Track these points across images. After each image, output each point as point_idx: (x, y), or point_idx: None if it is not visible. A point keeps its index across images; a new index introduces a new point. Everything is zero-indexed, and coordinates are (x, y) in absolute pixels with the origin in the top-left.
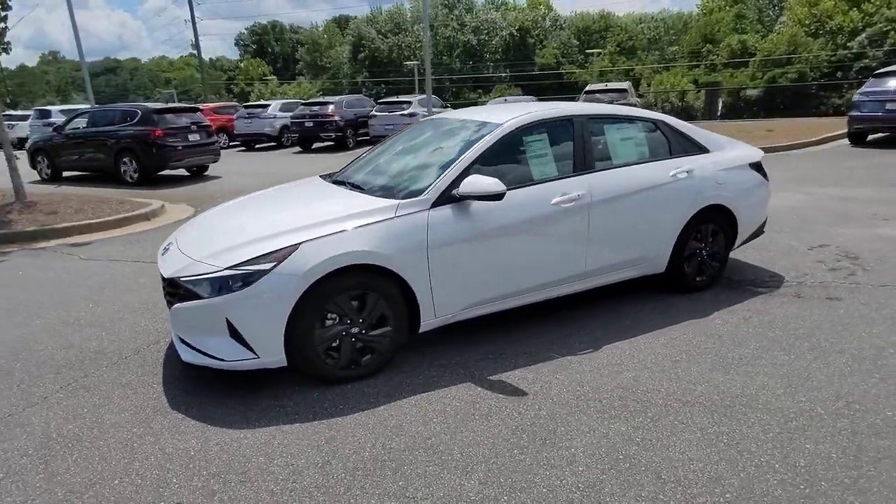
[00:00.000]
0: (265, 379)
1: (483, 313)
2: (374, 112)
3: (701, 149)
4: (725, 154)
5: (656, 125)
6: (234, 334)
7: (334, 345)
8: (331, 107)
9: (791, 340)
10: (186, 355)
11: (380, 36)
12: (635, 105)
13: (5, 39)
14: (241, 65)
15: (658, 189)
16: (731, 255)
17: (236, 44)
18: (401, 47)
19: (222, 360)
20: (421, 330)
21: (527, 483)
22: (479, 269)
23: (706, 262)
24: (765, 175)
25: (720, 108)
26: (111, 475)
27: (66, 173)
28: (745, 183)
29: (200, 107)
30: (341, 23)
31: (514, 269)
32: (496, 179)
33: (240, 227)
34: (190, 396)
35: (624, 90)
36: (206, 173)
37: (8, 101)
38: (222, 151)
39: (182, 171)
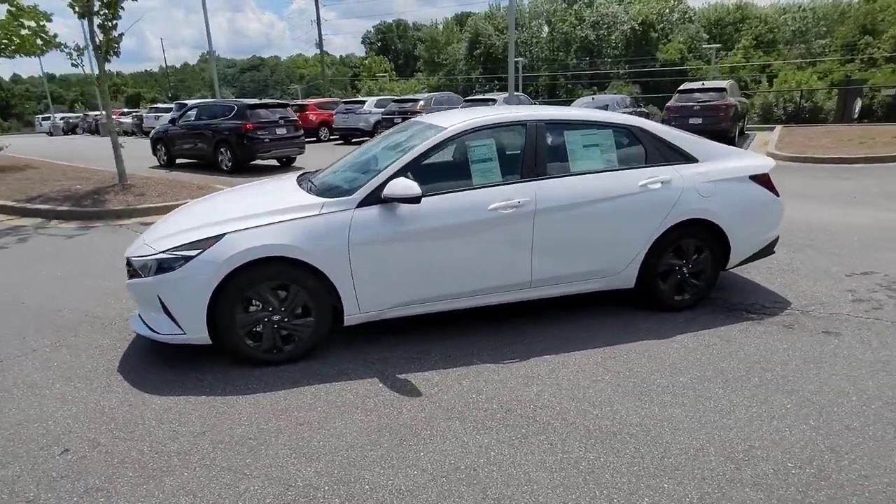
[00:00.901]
0: (210, 355)
1: (417, 313)
2: (459, 108)
3: (686, 158)
4: (718, 165)
5: (631, 132)
6: (166, 311)
7: (257, 329)
8: (420, 103)
9: (740, 374)
10: (135, 325)
11: (496, 32)
12: (649, 113)
13: (117, 46)
14: (366, 62)
15: (623, 199)
16: (742, 272)
17: (363, 42)
18: (516, 43)
19: (157, 333)
20: (346, 324)
21: (355, 478)
22: (409, 269)
23: (688, 281)
24: (772, 189)
25: (857, 109)
26: (35, 419)
27: (178, 160)
28: (740, 197)
29: (307, 102)
30: (462, 20)
31: (448, 272)
32: (414, 183)
33: (193, 216)
34: (142, 363)
35: (722, 89)
36: (294, 164)
37: (169, 95)
38: (322, 144)
39: (273, 162)
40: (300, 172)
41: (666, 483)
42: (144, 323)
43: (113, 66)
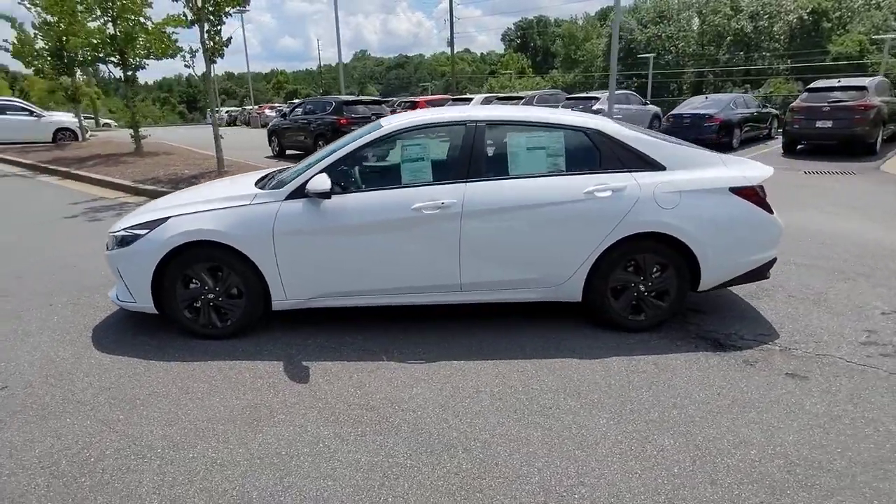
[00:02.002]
0: (173, 327)
1: (344, 305)
2: (559, 108)
3: (651, 165)
4: (690, 174)
5: (586, 134)
6: (123, 281)
7: (196, 305)
8: (521, 101)
9: (642, 407)
10: (110, 293)
11: (639, 27)
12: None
13: (222, 49)
14: (504, 58)
15: (562, 206)
16: (752, 296)
17: (502, 39)
18: (660, 38)
19: (119, 300)
20: (274, 308)
21: (189, 446)
22: (332, 261)
23: (646, 301)
24: (761, 204)
25: None
26: (3, 359)
27: (288, 151)
28: (714, 211)
29: (418, 99)
30: (606, 13)
31: (372, 268)
32: (327, 180)
33: (165, 201)
34: (115, 326)
35: (862, 87)
36: None
37: (321, 91)
38: None
39: None
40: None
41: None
42: (117, 292)
43: (278, 64)
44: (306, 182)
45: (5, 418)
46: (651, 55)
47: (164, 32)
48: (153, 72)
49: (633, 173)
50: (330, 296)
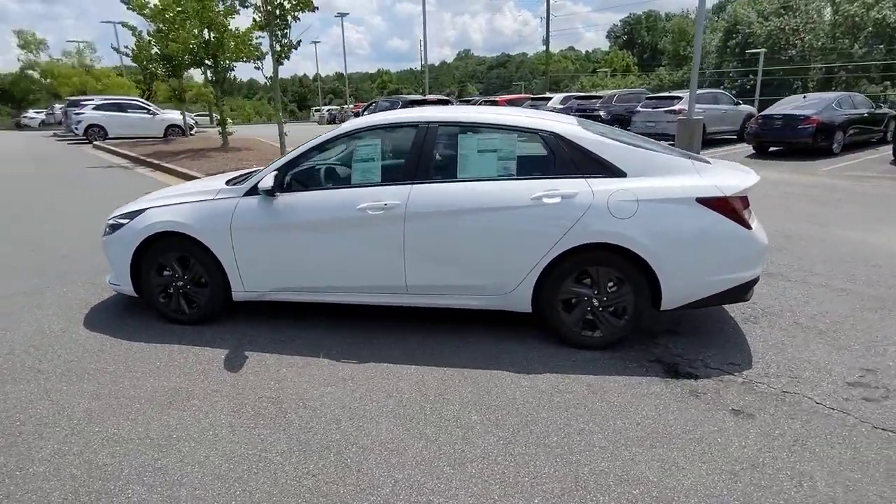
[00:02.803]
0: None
1: (300, 300)
2: (638, 108)
3: (611, 171)
4: (652, 181)
5: (542, 138)
6: (111, 264)
7: (169, 291)
8: (599, 101)
9: (547, 432)
10: (108, 276)
11: (759, 20)
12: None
13: (288, 52)
14: (608, 56)
15: (507, 212)
16: (739, 316)
17: (607, 36)
18: (783, 31)
19: (111, 283)
20: (234, 299)
21: (94, 420)
22: (283, 257)
23: (601, 317)
24: (736, 217)
25: None
26: (2, 328)
27: None
28: (677, 222)
29: (498, 98)
30: (723, 6)
31: (322, 266)
32: (271, 178)
33: (157, 193)
34: (111, 304)
35: None
36: None
37: (420, 90)
38: None
39: None
40: None
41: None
42: (110, 276)
43: (385, 65)
44: (260, 180)
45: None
46: (761, 50)
47: (250, 37)
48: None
49: (589, 179)
50: (285, 290)
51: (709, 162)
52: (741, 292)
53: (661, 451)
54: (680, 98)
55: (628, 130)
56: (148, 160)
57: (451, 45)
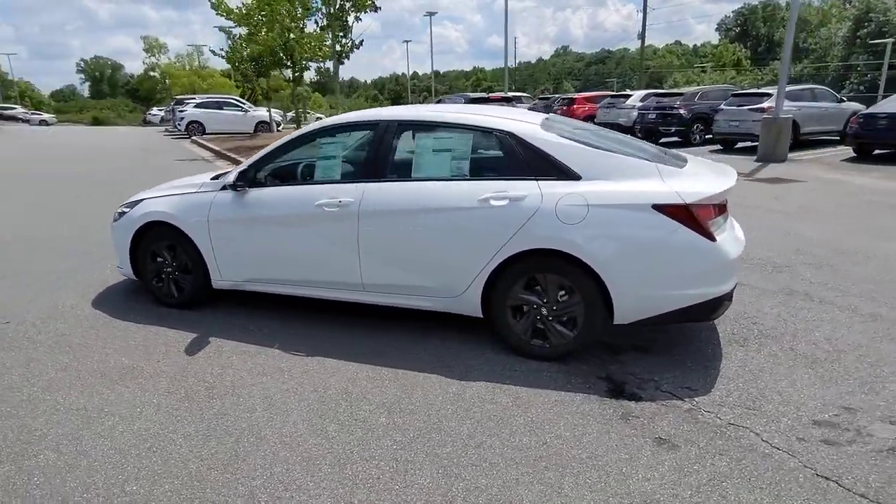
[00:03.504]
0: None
1: (271, 291)
2: (722, 105)
3: (565, 174)
4: (607, 185)
5: (497, 137)
6: (116, 249)
7: (162, 276)
8: (681, 98)
9: (442, 444)
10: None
11: None
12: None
13: (349, 52)
14: (717, 50)
15: (454, 213)
16: (725, 335)
17: (717, 28)
18: None
19: (118, 267)
20: (214, 287)
21: (38, 391)
22: (252, 249)
23: (550, 326)
24: (697, 227)
25: None
26: (22, 301)
27: None
28: (630, 230)
29: (576, 96)
30: None
31: (285, 259)
32: (233, 174)
33: (162, 185)
34: (126, 286)
35: None
36: None
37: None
38: None
39: None
40: None
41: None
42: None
43: (482, 62)
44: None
45: None
46: (888, 41)
47: (324, 38)
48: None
49: (540, 182)
50: (256, 281)
51: (683, 163)
52: (706, 310)
53: (551, 475)
54: (769, 95)
55: (710, 130)
56: (228, 154)
57: (551, 41)
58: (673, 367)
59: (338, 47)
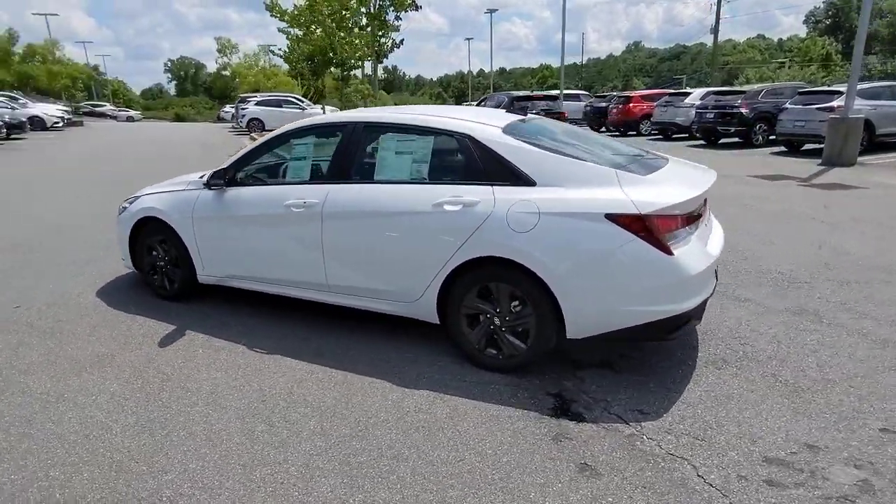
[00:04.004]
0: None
1: (248, 288)
2: (787, 104)
3: (521, 179)
4: (561, 192)
5: (457, 140)
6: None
7: (157, 270)
8: (742, 96)
9: (362, 451)
10: None
11: None
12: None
13: (387, 51)
14: (804, 44)
15: (411, 217)
16: (704, 357)
17: (805, 21)
18: None
19: (123, 259)
20: (200, 281)
21: (13, 372)
22: (230, 246)
23: (503, 337)
24: (651, 239)
25: None
26: (35, 288)
27: None
28: (580, 240)
29: (632, 94)
30: None
31: (259, 257)
32: (210, 173)
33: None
34: (136, 276)
35: None
36: None
37: (578, 85)
38: (634, 139)
39: None
40: None
41: None
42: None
43: (550, 59)
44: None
45: None
46: None
47: (363, 38)
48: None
49: (496, 187)
50: (234, 277)
51: (656, 168)
52: (664, 329)
53: (454, 494)
54: (840, 93)
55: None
56: None
57: (622, 36)
58: (632, 388)
59: (376, 46)
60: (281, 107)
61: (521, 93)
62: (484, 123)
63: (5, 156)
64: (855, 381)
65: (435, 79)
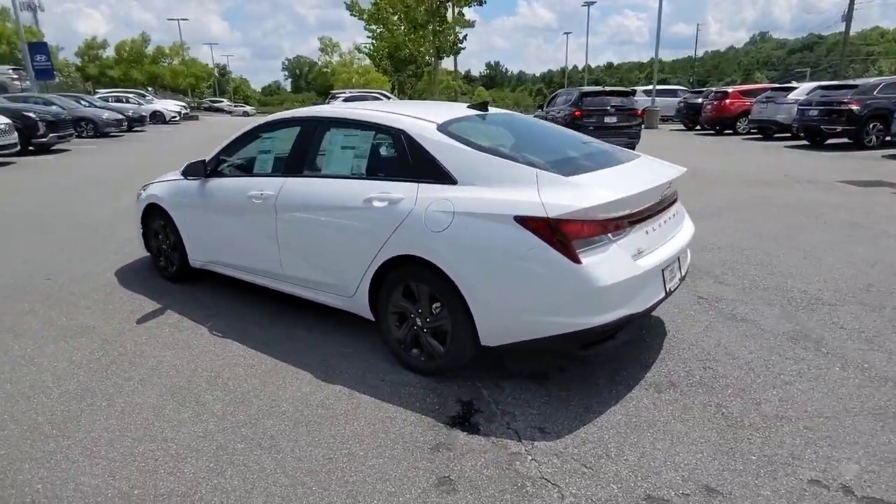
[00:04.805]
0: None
1: (227, 274)
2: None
3: (445, 177)
4: (477, 192)
5: (392, 136)
6: None
7: (161, 252)
8: (853, 91)
9: (234, 440)
10: None
11: None
12: None
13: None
14: None
15: (345, 212)
16: (648, 384)
17: None
18: None
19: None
20: (190, 265)
21: (7, 326)
22: (209, 233)
23: (423, 338)
24: (558, 245)
25: None
26: (76, 264)
27: None
28: (489, 243)
29: (729, 89)
30: None
31: (230, 245)
32: (185, 165)
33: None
34: None
35: None
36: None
37: (690, 80)
38: (727, 138)
39: None
40: None
41: None
42: None
43: (662, 53)
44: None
45: (14, 293)
46: None
47: (456, 33)
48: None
49: (421, 184)
50: (214, 263)
51: (599, 168)
52: (574, 343)
53: (298, 491)
54: None
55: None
56: None
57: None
58: (549, 404)
59: (437, 43)
60: (368, 101)
61: (591, 88)
62: (422, 119)
63: (123, 145)
64: (815, 421)
65: (538, 74)
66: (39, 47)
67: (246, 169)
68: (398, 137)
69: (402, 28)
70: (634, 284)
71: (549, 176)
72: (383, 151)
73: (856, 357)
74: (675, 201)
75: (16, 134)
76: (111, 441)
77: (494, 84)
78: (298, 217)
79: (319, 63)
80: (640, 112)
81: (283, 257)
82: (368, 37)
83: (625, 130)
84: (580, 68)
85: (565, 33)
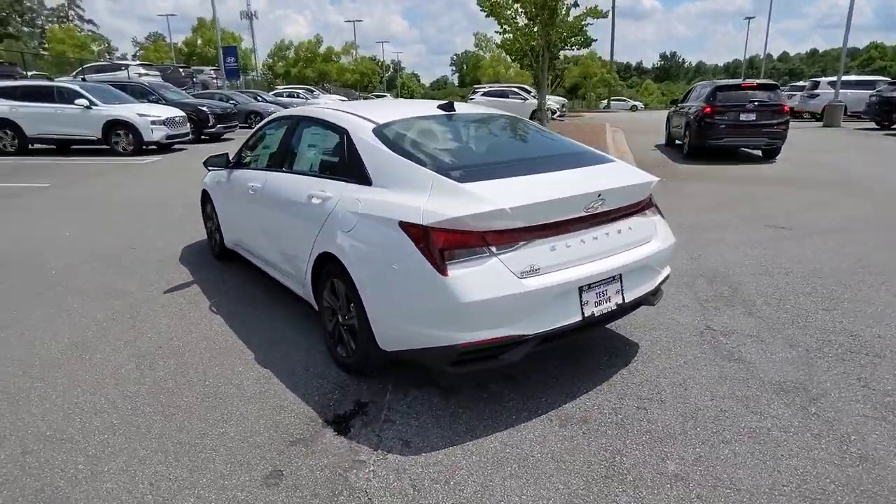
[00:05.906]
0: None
1: (243, 255)
2: None
3: (365, 178)
4: (379, 195)
5: (339, 136)
6: None
7: (210, 232)
8: None
9: (146, 430)
10: None
11: None
12: None
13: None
14: None
15: (293, 207)
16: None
17: None
18: None
19: None
20: (225, 245)
21: (27, 297)
22: (231, 217)
23: (343, 334)
24: (427, 254)
25: None
26: (162, 240)
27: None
28: (377, 246)
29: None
30: None
31: (242, 230)
32: (207, 157)
33: None
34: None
35: None
36: (778, 157)
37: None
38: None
39: (754, 151)
40: None
41: None
42: None
43: (881, 37)
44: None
45: (98, 258)
46: None
47: (583, 25)
48: (730, 53)
49: (349, 184)
50: (237, 246)
51: (529, 173)
52: (445, 359)
53: (133, 468)
54: None
55: None
56: None
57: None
58: (435, 418)
59: (547, 37)
60: (506, 97)
61: (728, 81)
62: (366, 119)
63: None
64: (715, 493)
65: (720, 65)
66: (230, 51)
67: (254, 161)
68: (342, 137)
69: (521, 22)
70: (516, 304)
71: (444, 182)
72: (333, 150)
73: (847, 426)
74: (628, 215)
75: (188, 125)
76: (66, 388)
77: (668, 76)
78: (270, 209)
79: (480, 57)
80: (786, 108)
81: (267, 244)
82: (496, 31)
83: (765, 129)
84: (775, 56)
85: (746, 18)
